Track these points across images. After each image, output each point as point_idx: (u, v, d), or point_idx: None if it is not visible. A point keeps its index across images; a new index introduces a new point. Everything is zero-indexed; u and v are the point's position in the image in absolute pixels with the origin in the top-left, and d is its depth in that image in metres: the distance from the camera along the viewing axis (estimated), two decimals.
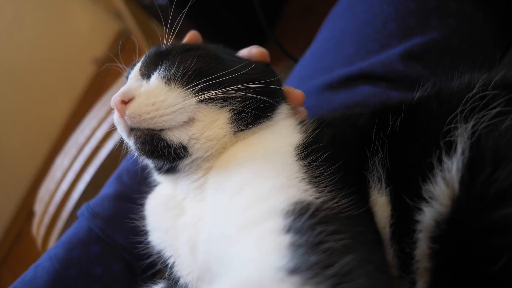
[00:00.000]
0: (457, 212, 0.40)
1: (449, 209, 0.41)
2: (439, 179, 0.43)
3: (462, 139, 0.43)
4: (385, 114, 0.54)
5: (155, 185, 0.68)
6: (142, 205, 0.67)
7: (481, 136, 0.42)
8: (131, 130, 0.54)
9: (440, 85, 0.55)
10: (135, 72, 0.60)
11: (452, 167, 0.42)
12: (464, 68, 0.55)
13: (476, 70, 0.54)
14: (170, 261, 0.58)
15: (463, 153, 0.42)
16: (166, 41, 0.63)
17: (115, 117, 0.56)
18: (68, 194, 1.23)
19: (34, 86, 2.70)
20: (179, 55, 0.59)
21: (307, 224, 0.40)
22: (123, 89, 0.55)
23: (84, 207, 0.77)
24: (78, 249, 0.70)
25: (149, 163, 0.65)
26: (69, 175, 1.25)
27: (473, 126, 0.43)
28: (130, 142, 0.56)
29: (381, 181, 0.50)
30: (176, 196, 0.60)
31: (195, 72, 0.55)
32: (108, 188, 0.82)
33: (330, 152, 0.51)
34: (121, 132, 0.56)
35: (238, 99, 0.55)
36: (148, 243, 0.63)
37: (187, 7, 0.64)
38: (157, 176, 0.66)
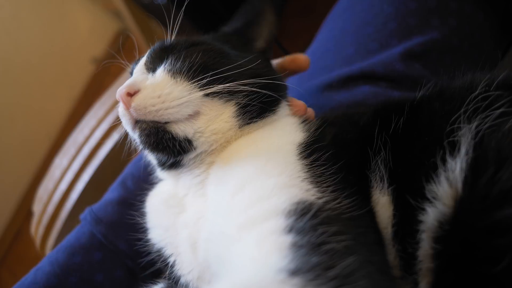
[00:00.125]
0: (460, 213, 0.40)
1: (452, 210, 0.41)
2: (442, 179, 0.43)
3: (465, 139, 0.43)
4: (388, 113, 0.54)
5: (156, 183, 0.68)
6: (143, 202, 0.67)
7: (485, 137, 0.42)
8: (136, 122, 0.54)
9: (442, 84, 0.55)
10: (140, 66, 0.60)
11: (456, 167, 0.42)
12: (464, 67, 0.55)
13: (477, 69, 0.54)
14: (171, 260, 0.58)
15: (467, 153, 0.42)
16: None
17: (120, 109, 0.56)
18: (66, 194, 1.23)
19: (33, 86, 2.69)
20: (185, 50, 0.59)
21: (309, 224, 0.40)
22: (128, 81, 0.55)
23: (87, 211, 0.76)
24: (80, 255, 0.69)
25: (153, 158, 0.65)
26: (68, 175, 1.25)
27: (476, 127, 0.43)
28: (135, 135, 0.56)
29: (383, 180, 0.50)
30: (178, 193, 0.60)
31: (201, 66, 0.55)
32: (112, 193, 0.81)
33: (332, 151, 0.51)
34: (126, 125, 0.56)
35: (244, 93, 0.56)
36: (147, 241, 0.62)
37: (184, 6, 0.64)
38: (159, 173, 0.66)
